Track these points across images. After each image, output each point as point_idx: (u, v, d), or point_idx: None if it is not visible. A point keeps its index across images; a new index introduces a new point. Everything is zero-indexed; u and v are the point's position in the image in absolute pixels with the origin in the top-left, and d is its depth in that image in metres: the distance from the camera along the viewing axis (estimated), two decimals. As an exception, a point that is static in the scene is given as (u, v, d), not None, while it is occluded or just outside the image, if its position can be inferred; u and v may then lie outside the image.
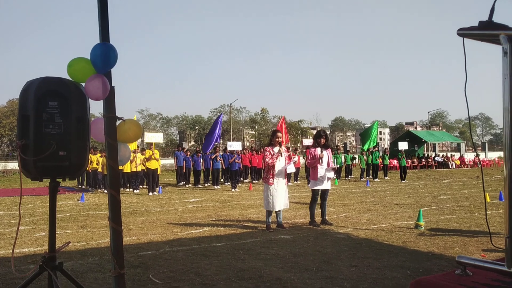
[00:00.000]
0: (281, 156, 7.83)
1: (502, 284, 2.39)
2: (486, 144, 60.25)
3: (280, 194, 7.77)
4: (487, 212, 9.56)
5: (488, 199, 11.79)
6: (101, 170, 17.16)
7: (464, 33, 2.52)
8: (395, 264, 5.34)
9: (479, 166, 36.15)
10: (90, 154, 15.76)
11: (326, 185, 8.22)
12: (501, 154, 56.98)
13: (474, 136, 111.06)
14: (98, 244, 6.70)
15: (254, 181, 20.65)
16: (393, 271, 5.01)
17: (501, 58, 2.32)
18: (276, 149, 7.85)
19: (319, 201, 8.27)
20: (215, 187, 17.99)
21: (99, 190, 17.07)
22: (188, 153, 20.27)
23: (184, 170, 19.50)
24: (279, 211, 7.89)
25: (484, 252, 5.91)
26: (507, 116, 2.23)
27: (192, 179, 19.96)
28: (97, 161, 17.47)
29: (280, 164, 7.82)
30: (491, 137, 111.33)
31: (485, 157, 45.58)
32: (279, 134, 8.03)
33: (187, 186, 18.97)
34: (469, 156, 42.09)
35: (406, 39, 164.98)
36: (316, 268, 5.16)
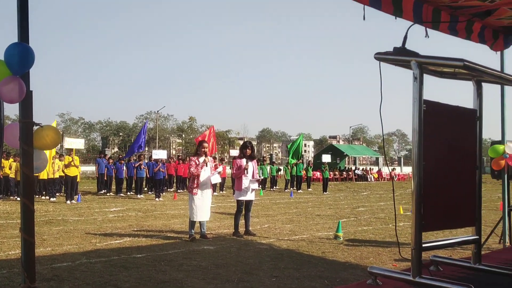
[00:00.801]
0: (207, 166, 7.82)
1: (409, 293, 2.60)
2: (402, 159, 63.97)
3: (204, 205, 7.74)
4: (400, 224, 10.15)
5: (401, 211, 12.52)
6: (13, 176, 16.08)
7: (380, 57, 2.70)
8: (314, 274, 5.50)
9: (393, 179, 38.37)
10: (2, 159, 14.74)
11: (250, 196, 8.31)
12: (415, 168, 60.70)
13: (391, 151, 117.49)
14: (7, 256, 6.26)
15: (179, 191, 20.37)
16: (312, 281, 5.15)
17: (412, 83, 2.53)
18: (201, 159, 7.82)
19: (243, 212, 8.33)
20: (138, 196, 17.51)
21: (11, 197, 15.97)
22: (111, 161, 19.59)
23: (105, 178, 18.80)
24: (203, 221, 7.85)
25: (396, 262, 6.24)
26: (416, 136, 2.42)
27: (113, 187, 19.29)
28: (9, 166, 16.33)
29: (205, 174, 7.79)
30: (407, 152, 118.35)
31: (401, 171, 48.38)
32: (205, 144, 8.02)
33: (108, 194, 18.29)
34: (387, 170, 44.50)
35: (331, 56, 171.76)
36: (238, 279, 5.18)
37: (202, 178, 7.75)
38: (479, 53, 6.70)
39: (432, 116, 2.54)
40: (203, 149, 7.90)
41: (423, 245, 2.40)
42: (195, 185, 7.71)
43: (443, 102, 2.95)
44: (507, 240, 6.55)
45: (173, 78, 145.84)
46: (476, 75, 2.88)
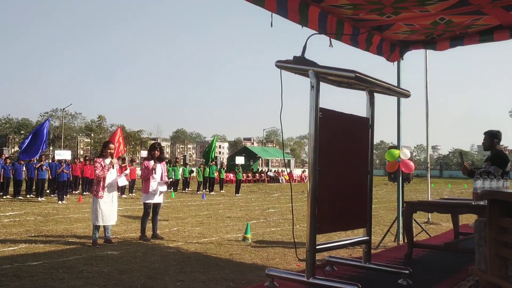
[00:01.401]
0: (113, 168, 7.54)
1: (303, 294, 2.70)
2: (308, 153, 66.43)
3: (110, 208, 7.45)
4: (305, 224, 10.51)
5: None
6: None
7: (281, 65, 2.78)
8: (220, 277, 5.51)
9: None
10: None
11: (158, 199, 8.14)
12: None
13: (302, 154, 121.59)
14: None
15: (85, 193, 19.41)
16: (218, 284, 5.15)
17: (309, 91, 2.63)
18: (107, 160, 7.52)
19: (151, 215, 8.14)
20: (39, 199, 16.41)
21: None
22: (8, 161, 18.15)
23: (1, 180, 17.38)
24: (108, 225, 7.55)
25: (300, 262, 6.45)
26: (312, 142, 2.52)
27: (11, 189, 17.90)
28: None
29: (111, 176, 7.50)
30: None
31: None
32: (111, 145, 7.73)
33: (4, 197, 16.93)
34: (297, 172, 45.96)
35: (247, 60, 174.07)
36: (141, 285, 5.04)
37: (107, 180, 7.45)
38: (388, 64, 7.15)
39: (327, 123, 2.66)
40: (108, 151, 7.60)
41: (317, 247, 2.50)
42: (100, 188, 7.39)
43: (342, 110, 3.11)
44: (401, 238, 7.05)
45: (82, 75, 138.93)
46: (368, 86, 3.07)
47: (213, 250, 7.17)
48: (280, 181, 38.26)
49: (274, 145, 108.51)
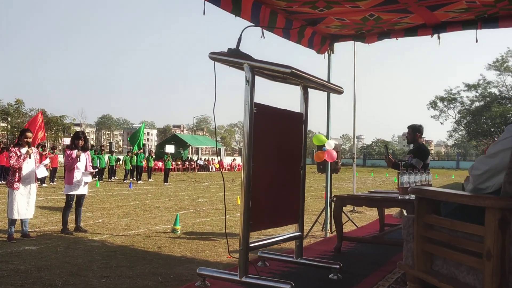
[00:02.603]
0: (30, 158, 7.03)
1: (235, 293, 2.66)
2: (243, 149, 66.97)
3: (27, 201, 6.96)
4: (237, 215, 10.52)
5: (238, 202, 13.02)
6: None
7: (214, 57, 2.67)
8: (148, 271, 5.33)
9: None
10: None
11: (82, 190, 7.74)
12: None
13: (233, 142, 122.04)
14: None
15: (1, 183, 18.14)
16: (145, 279, 4.98)
17: (244, 85, 2.55)
18: (24, 150, 7.01)
19: (73, 207, 7.73)
20: None
21: None
22: None
23: None
24: (25, 219, 7.06)
25: (230, 254, 6.41)
26: (246, 138, 2.45)
27: None
28: None
29: (28, 166, 7.00)
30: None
31: (241, 161, 50.52)
32: (28, 134, 7.20)
33: None
34: (227, 160, 46.04)
35: (176, 46, 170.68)
36: (63, 283, 4.75)
37: (24, 171, 6.95)
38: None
39: (261, 119, 2.60)
40: (25, 139, 7.08)
41: (250, 245, 2.46)
42: (16, 179, 6.88)
43: (276, 103, 3.06)
44: (328, 228, 7.24)
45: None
46: (302, 81, 3.05)
47: (141, 243, 6.94)
48: (210, 170, 38.13)
49: (204, 133, 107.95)
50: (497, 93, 61.91)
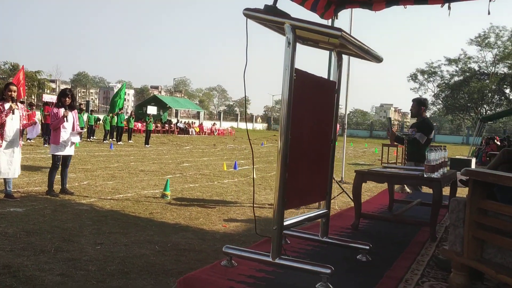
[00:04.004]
0: (13, 113, 6.62)
1: (266, 275, 2.45)
2: (222, 114, 66.48)
3: (11, 159, 6.60)
4: (225, 181, 10.34)
5: (225, 168, 12.83)
6: None
7: (250, 13, 2.38)
8: (143, 239, 5.13)
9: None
10: None
11: (69, 151, 7.39)
12: (233, 124, 63.81)
13: (211, 106, 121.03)
14: None
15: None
16: (142, 248, 4.78)
17: (284, 48, 2.28)
18: (7, 105, 6.59)
19: (60, 168, 7.40)
20: None
21: None
22: None
23: None
24: (9, 179, 6.72)
25: (225, 222, 6.26)
26: (285, 107, 2.22)
27: None
28: None
29: (12, 123, 6.61)
30: (225, 107, 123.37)
31: (220, 126, 50.16)
32: (13, 87, 6.74)
33: None
34: (207, 124, 45.61)
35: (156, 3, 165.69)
36: (55, 249, 4.51)
37: (8, 127, 6.56)
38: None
39: (300, 86, 2.36)
40: (9, 93, 6.64)
41: (285, 223, 2.27)
42: (-1, 136, 6.48)
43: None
44: (336, 204, 7.09)
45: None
46: (338, 46, 2.81)
47: (131, 208, 6.71)
48: (190, 133, 37.71)
49: (183, 95, 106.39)
50: (477, 68, 62.63)
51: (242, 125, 69.35)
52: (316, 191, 2.82)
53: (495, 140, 23.15)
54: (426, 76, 65.67)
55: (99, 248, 4.66)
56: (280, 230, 2.23)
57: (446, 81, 64.71)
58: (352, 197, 4.47)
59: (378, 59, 2.82)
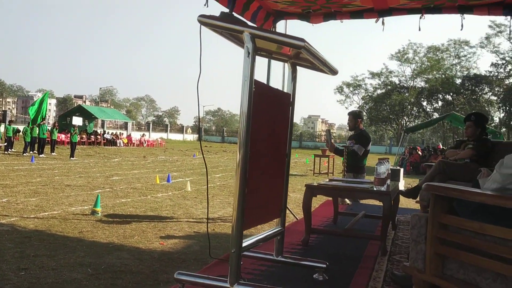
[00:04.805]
0: None
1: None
2: (151, 124, 64.97)
3: None
4: (159, 195, 9.96)
5: (157, 181, 12.39)
6: None
7: (205, 20, 2.19)
8: (73, 261, 4.71)
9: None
10: None
11: (-14, 166, 6.73)
12: (163, 134, 62.60)
13: (139, 116, 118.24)
14: None
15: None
16: (72, 271, 4.38)
17: (243, 58, 2.13)
18: None
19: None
20: None
21: None
22: None
23: None
24: None
25: (162, 240, 5.95)
26: (244, 121, 2.06)
27: None
28: None
29: None
30: (154, 118, 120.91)
31: (149, 137, 48.91)
32: None
33: None
34: (136, 135, 44.24)
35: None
36: (-29, 278, 4.01)
37: None
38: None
39: (259, 98, 2.22)
40: None
41: (243, 245, 2.11)
42: None
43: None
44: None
45: None
46: (293, 57, 2.71)
47: (58, 227, 6.20)
48: (118, 145, 36.38)
49: (109, 105, 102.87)
50: (397, 82, 66.58)
51: (172, 136, 68.24)
52: (272, 208, 2.69)
53: (417, 150, 24.50)
54: (351, 89, 68.80)
55: (23, 274, 4.20)
56: (239, 253, 2.07)
57: (369, 94, 68.16)
58: (292, 212, 4.40)
59: (334, 72, 2.76)
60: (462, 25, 6.19)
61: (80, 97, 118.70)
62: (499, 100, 61.66)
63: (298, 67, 2.93)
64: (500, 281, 1.92)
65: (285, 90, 2.88)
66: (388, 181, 4.36)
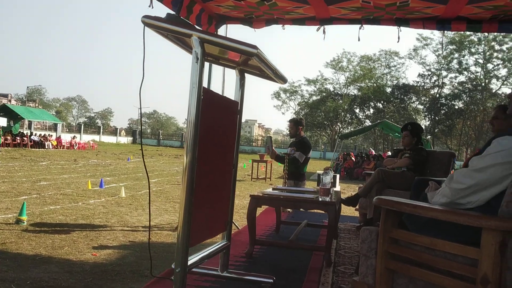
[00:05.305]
0: None
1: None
2: (82, 126, 62.37)
3: None
4: (91, 201, 9.48)
5: (89, 187, 11.82)
6: None
7: (148, 21, 2.02)
8: (-5, 277, 4.31)
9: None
10: None
11: None
12: (95, 137, 60.30)
13: (69, 117, 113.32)
14: None
15: None
16: (-6, 289, 4.00)
17: (191, 64, 1.98)
18: None
19: None
20: None
21: None
22: None
23: None
24: None
25: (95, 251, 5.62)
26: (192, 130, 1.92)
27: None
28: None
29: None
30: (86, 119, 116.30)
31: (80, 139, 46.86)
32: None
33: None
34: (66, 137, 42.21)
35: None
36: None
37: None
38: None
39: (207, 106, 2.08)
40: None
41: (189, 263, 1.96)
42: None
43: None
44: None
45: None
46: (241, 64, 2.60)
47: (-23, 239, 5.68)
48: (47, 147, 34.52)
49: (37, 105, 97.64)
50: (332, 89, 68.79)
51: (105, 138, 65.97)
52: (218, 221, 2.56)
53: (351, 156, 25.29)
54: (288, 95, 70.13)
55: None
56: (184, 272, 1.92)
57: (305, 100, 69.88)
58: (235, 224, 4.29)
59: (283, 80, 2.69)
60: (398, 37, 6.41)
61: (5, 95, 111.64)
62: (425, 109, 65.51)
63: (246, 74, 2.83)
64: (451, 297, 1.93)
65: (225, 95, 2.80)
66: (332, 190, 4.38)
